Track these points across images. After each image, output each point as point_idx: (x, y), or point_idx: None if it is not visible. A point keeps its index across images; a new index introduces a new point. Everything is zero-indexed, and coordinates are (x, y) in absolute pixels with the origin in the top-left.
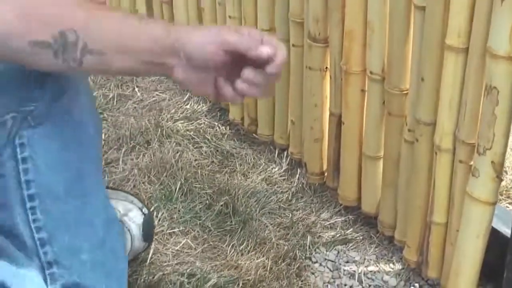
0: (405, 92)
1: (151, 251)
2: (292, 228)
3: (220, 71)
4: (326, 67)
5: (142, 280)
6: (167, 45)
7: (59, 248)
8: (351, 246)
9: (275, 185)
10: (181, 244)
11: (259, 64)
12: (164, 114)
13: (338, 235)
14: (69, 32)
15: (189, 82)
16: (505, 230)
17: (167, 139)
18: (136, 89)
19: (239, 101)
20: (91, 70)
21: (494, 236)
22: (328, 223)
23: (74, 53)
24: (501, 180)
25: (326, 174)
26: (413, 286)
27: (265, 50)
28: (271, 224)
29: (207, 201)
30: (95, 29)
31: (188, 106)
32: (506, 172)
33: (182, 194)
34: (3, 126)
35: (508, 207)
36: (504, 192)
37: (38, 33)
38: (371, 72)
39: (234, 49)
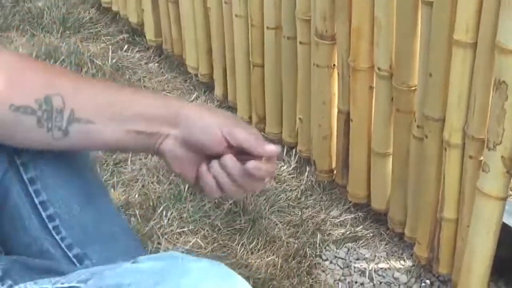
0: (413, 88)
1: (161, 251)
2: (301, 226)
3: (209, 158)
4: (334, 64)
5: None
6: (164, 115)
7: (97, 259)
8: (361, 244)
9: (284, 183)
10: (190, 244)
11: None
12: None
13: (348, 233)
14: (55, 98)
15: (174, 157)
16: None
17: None
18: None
19: (215, 196)
20: (77, 143)
21: (505, 231)
22: (338, 220)
23: (59, 121)
24: (511, 175)
25: (335, 171)
26: (424, 282)
27: (271, 148)
28: (281, 222)
29: (216, 200)
30: (84, 95)
31: None
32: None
33: (191, 194)
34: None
35: None
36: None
37: (21, 98)
38: (379, 69)
39: (238, 145)
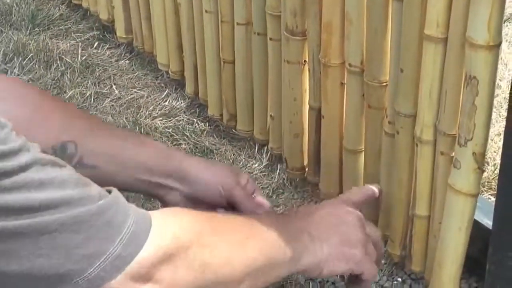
0: (384, 84)
1: None
2: None
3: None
4: (305, 60)
5: None
6: (168, 169)
7: None
8: None
9: (255, 181)
10: None
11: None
12: (142, 111)
13: None
14: (70, 145)
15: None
16: (487, 222)
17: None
18: (114, 87)
19: None
20: None
21: (477, 228)
22: None
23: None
24: (483, 171)
25: (307, 168)
26: (396, 281)
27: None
28: None
29: None
30: (93, 142)
31: (166, 103)
32: (488, 163)
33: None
34: None
35: (490, 198)
36: (486, 183)
37: (39, 141)
38: (350, 65)
39: (235, 203)
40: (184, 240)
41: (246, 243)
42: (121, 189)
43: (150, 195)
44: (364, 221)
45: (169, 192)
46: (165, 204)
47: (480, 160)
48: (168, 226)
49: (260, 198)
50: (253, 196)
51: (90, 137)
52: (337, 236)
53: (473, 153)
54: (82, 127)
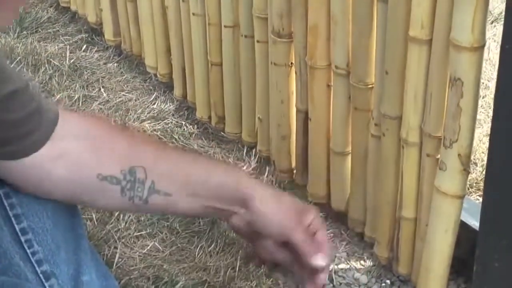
0: (370, 86)
1: (117, 255)
2: None
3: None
4: (291, 63)
5: None
6: (235, 197)
7: (63, 280)
8: None
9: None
10: (148, 247)
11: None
12: (130, 114)
13: None
14: (139, 169)
15: (237, 231)
16: (474, 224)
17: None
18: (102, 90)
19: None
20: (154, 210)
21: (464, 229)
22: None
23: (141, 191)
24: (469, 172)
25: (295, 171)
26: (384, 283)
27: (319, 263)
28: None
29: None
30: (164, 169)
31: (155, 106)
32: (475, 164)
33: None
34: None
35: (478, 199)
36: (474, 184)
37: (109, 167)
38: (336, 67)
39: (294, 246)
40: None
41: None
42: (188, 215)
43: (215, 217)
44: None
45: (233, 216)
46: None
47: (466, 162)
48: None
49: (321, 237)
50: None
51: (159, 163)
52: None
53: (459, 155)
54: (149, 153)
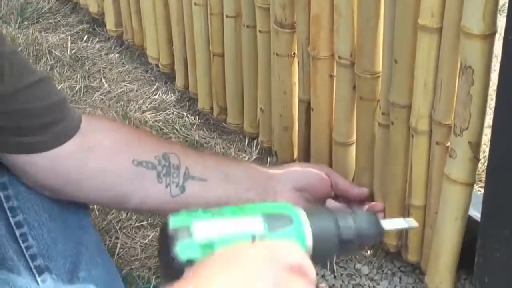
0: (376, 75)
1: (119, 246)
2: None
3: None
4: (294, 53)
5: None
6: (266, 174)
7: (57, 274)
8: None
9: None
10: (149, 237)
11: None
12: (132, 105)
13: None
14: (172, 155)
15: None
16: (476, 215)
17: None
18: (104, 80)
19: None
20: (192, 201)
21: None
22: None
23: (176, 177)
24: (479, 160)
25: (297, 162)
26: (386, 273)
27: (361, 191)
28: None
29: None
30: (193, 156)
31: (156, 97)
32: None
33: None
34: None
35: (480, 191)
36: (476, 175)
37: (142, 153)
38: (339, 57)
39: (340, 188)
40: None
41: None
42: (224, 203)
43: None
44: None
45: (273, 196)
46: None
47: (476, 149)
48: None
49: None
50: None
51: (189, 152)
52: None
53: (469, 142)
54: (178, 145)
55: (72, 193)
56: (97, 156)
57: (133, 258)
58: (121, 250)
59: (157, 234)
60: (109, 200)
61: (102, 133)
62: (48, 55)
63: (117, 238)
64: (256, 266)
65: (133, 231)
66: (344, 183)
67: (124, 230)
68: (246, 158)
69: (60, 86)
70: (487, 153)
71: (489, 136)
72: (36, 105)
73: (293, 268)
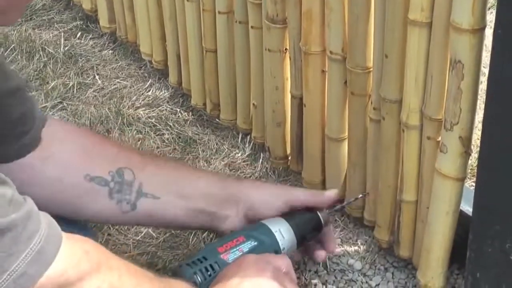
0: (368, 70)
1: (111, 242)
2: None
3: None
4: (286, 49)
5: None
6: (223, 195)
7: None
8: None
9: (238, 170)
10: (142, 234)
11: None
12: (125, 101)
13: None
14: (127, 171)
15: None
16: (468, 209)
17: (128, 127)
18: (97, 77)
19: None
20: (142, 219)
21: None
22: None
23: (129, 194)
24: (470, 155)
25: (290, 158)
26: (379, 269)
27: (330, 194)
28: None
29: None
30: (151, 172)
31: (149, 93)
32: (471, 150)
33: None
34: None
35: (473, 186)
36: (469, 170)
37: (97, 168)
38: (331, 52)
39: (302, 206)
40: (93, 259)
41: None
42: (174, 226)
43: (201, 227)
44: (282, 275)
45: (226, 222)
46: (222, 234)
47: (467, 144)
48: (78, 242)
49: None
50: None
51: (146, 166)
52: None
53: (460, 137)
54: (137, 157)
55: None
56: (53, 167)
57: (126, 254)
58: (113, 247)
59: (150, 231)
60: (63, 212)
61: (61, 142)
62: (41, 52)
63: (109, 235)
64: (262, 267)
65: (126, 228)
66: (307, 197)
67: (117, 227)
68: (239, 154)
69: (53, 83)
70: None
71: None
72: (11, 114)
73: (281, 269)
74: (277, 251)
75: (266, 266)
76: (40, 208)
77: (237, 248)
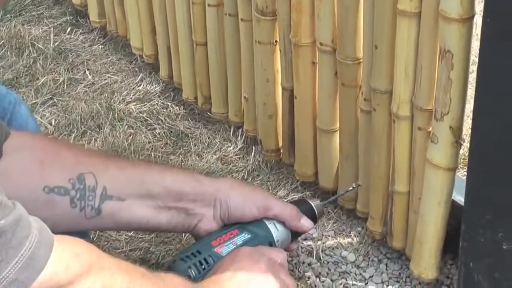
0: (358, 61)
1: (103, 238)
2: None
3: None
4: (276, 41)
5: None
6: (196, 192)
7: None
8: None
9: (230, 164)
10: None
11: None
12: (116, 96)
13: None
14: (88, 176)
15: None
16: (460, 199)
17: (119, 122)
18: (87, 72)
19: None
20: (108, 222)
21: (450, 205)
22: (285, 200)
23: (92, 200)
24: (461, 145)
25: (281, 150)
26: (372, 260)
27: (306, 226)
28: None
29: None
30: (115, 173)
31: (140, 88)
32: (463, 140)
33: None
34: None
35: (465, 175)
36: (461, 160)
37: (56, 177)
38: (321, 44)
39: (275, 217)
40: (84, 261)
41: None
42: (145, 228)
43: (175, 228)
44: (277, 266)
45: (200, 221)
46: (194, 234)
47: (458, 134)
48: (68, 245)
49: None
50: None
51: (109, 168)
52: None
53: (450, 127)
54: (98, 160)
55: None
56: (9, 181)
57: (118, 251)
58: (105, 243)
59: None
60: None
61: (16, 155)
62: (31, 48)
63: (101, 231)
64: (256, 259)
65: None
66: (282, 214)
67: None
68: (231, 148)
69: (43, 79)
70: None
71: None
72: None
73: (275, 261)
74: (271, 243)
75: (261, 258)
76: None
77: (231, 241)
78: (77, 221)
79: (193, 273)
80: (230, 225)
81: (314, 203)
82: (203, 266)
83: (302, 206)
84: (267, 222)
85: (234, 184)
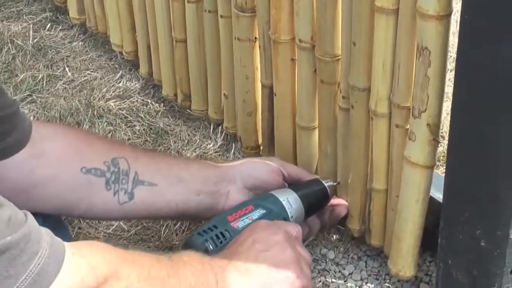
0: (336, 58)
1: (81, 236)
2: None
3: None
4: (255, 38)
5: None
6: (218, 174)
7: None
8: None
9: (210, 161)
10: (113, 227)
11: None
12: (95, 93)
13: None
14: (121, 160)
15: None
16: (439, 196)
17: (98, 119)
18: (67, 69)
19: None
20: (141, 207)
21: (429, 202)
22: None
23: (126, 183)
24: (438, 142)
25: (261, 147)
26: (352, 258)
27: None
28: None
29: None
30: (145, 160)
31: (120, 84)
32: (443, 137)
33: None
34: None
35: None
36: (441, 158)
37: (91, 160)
38: (300, 40)
39: (292, 177)
40: (100, 273)
41: (167, 281)
42: (175, 213)
43: (204, 210)
44: (293, 239)
45: (225, 198)
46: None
47: (435, 131)
48: (84, 258)
49: None
50: None
51: (139, 155)
52: (266, 263)
53: (428, 125)
54: (128, 148)
55: (20, 202)
56: (46, 165)
57: None
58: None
59: (121, 223)
60: (56, 209)
61: (51, 140)
62: (10, 45)
63: (80, 228)
64: (274, 231)
65: (96, 221)
66: (297, 171)
67: (88, 220)
68: (211, 145)
69: (22, 76)
70: None
71: None
72: None
73: (291, 234)
74: (285, 218)
75: (278, 230)
76: (34, 209)
77: (247, 216)
78: (111, 206)
79: (211, 247)
80: (245, 201)
81: (327, 183)
82: (220, 240)
83: (315, 185)
84: (281, 199)
85: (247, 158)
